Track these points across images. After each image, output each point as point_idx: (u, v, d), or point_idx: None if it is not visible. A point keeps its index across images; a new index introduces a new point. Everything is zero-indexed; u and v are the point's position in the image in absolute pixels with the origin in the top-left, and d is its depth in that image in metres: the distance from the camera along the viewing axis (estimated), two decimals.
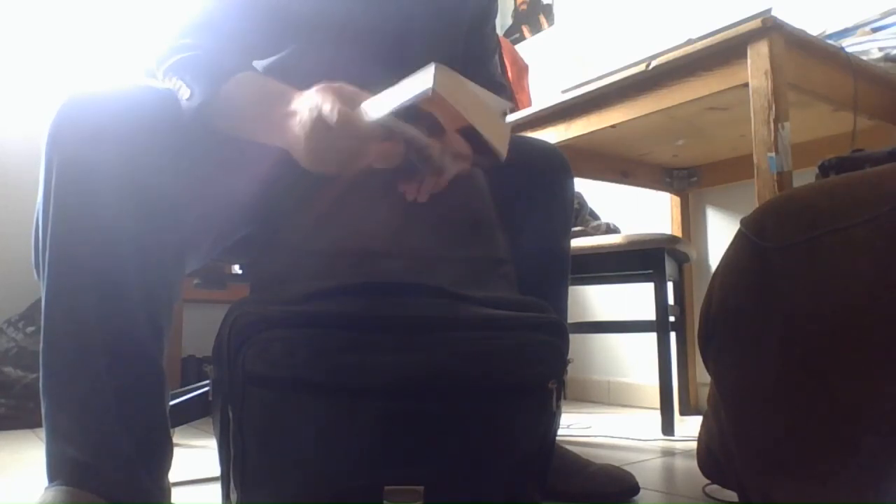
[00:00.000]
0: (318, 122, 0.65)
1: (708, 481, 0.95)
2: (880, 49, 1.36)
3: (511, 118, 1.64)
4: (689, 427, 1.69)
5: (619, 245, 1.69)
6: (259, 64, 0.90)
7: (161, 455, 0.72)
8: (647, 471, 1.20)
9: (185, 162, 0.74)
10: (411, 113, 0.66)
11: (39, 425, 0.69)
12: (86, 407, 0.67)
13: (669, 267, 1.72)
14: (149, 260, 0.70)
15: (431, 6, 0.93)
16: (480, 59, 1.05)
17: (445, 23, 0.95)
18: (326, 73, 0.88)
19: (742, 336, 0.75)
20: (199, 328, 2.35)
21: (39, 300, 0.70)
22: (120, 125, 0.69)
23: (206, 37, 0.80)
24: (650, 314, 1.71)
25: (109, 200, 0.68)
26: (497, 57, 1.10)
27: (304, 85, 0.86)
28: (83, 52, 2.37)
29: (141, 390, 0.70)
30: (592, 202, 2.20)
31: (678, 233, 2.06)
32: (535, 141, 1.00)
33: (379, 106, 0.66)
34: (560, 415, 0.73)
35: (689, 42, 1.31)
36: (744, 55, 1.16)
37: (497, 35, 1.11)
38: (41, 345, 0.68)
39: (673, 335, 1.85)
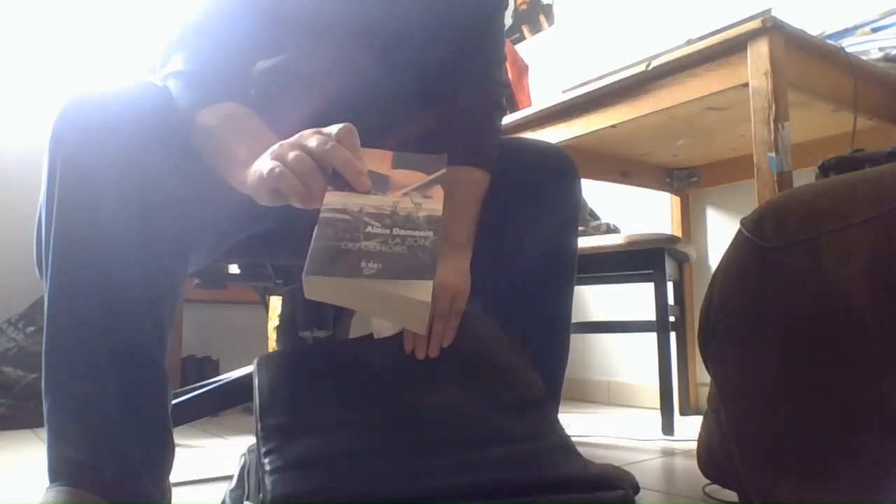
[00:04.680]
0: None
1: (708, 481, 0.95)
2: (880, 49, 1.36)
3: (511, 118, 1.64)
4: (689, 427, 1.69)
5: (619, 245, 1.69)
6: (257, 66, 0.89)
7: (163, 456, 0.72)
8: (647, 471, 1.20)
9: (188, 162, 0.74)
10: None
11: (39, 425, 0.69)
12: (87, 407, 0.67)
13: (669, 267, 1.72)
14: (152, 260, 0.70)
15: (428, 7, 0.93)
16: (485, 53, 1.04)
17: (443, 24, 0.94)
18: (322, 73, 0.87)
19: (742, 336, 0.75)
20: (199, 328, 2.36)
21: (39, 300, 0.70)
22: (123, 125, 0.69)
23: (200, 42, 0.80)
24: (650, 314, 1.71)
25: (112, 200, 0.67)
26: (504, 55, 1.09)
27: (303, 85, 0.85)
28: (84, 52, 2.37)
29: (143, 391, 0.70)
30: (592, 202, 2.20)
31: (678, 233, 2.06)
32: (542, 143, 0.99)
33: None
34: None
35: (689, 42, 1.31)
36: (744, 55, 1.16)
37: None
38: (44, 344, 0.68)
39: (673, 335, 1.85)
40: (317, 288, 0.58)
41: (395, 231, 0.62)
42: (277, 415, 0.71)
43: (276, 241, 1.04)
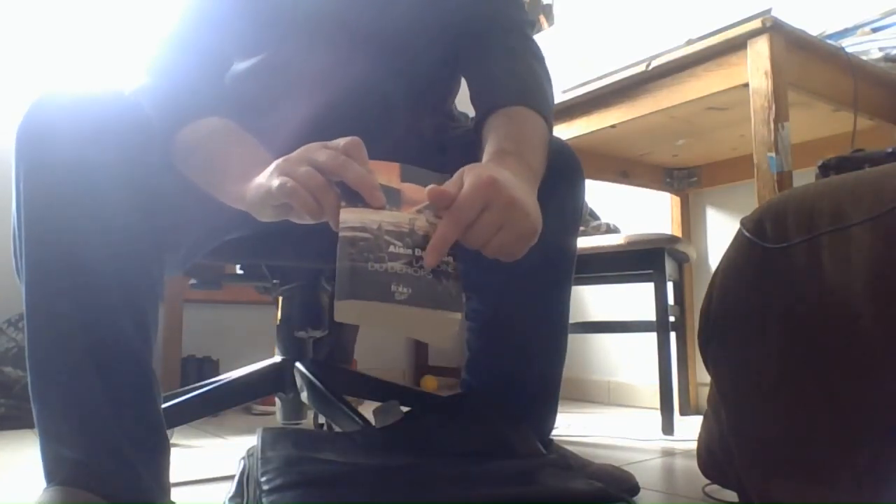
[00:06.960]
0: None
1: (708, 481, 0.95)
2: (880, 49, 1.36)
3: None
4: (689, 427, 1.69)
5: (619, 245, 1.69)
6: (239, 65, 0.88)
7: (159, 453, 0.72)
8: (647, 471, 1.20)
9: (162, 165, 0.73)
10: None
11: None
12: (78, 410, 0.66)
13: (669, 267, 1.72)
14: (125, 261, 0.69)
15: (429, 5, 0.92)
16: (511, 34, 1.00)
17: (446, 23, 0.94)
18: (318, 71, 0.87)
19: (742, 336, 0.75)
20: (199, 328, 2.35)
21: None
22: (84, 127, 0.68)
23: (179, 56, 0.79)
24: (650, 314, 1.71)
25: (76, 202, 0.67)
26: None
27: (295, 86, 0.83)
28: (83, 52, 2.37)
29: (133, 391, 0.69)
30: (592, 202, 2.20)
31: (678, 233, 2.06)
32: (552, 139, 0.97)
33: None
34: None
35: (689, 42, 1.31)
36: (743, 55, 1.16)
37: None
38: (26, 350, 0.68)
39: (673, 335, 1.85)
40: (348, 311, 0.58)
41: (417, 252, 0.61)
42: (278, 449, 0.72)
43: (264, 244, 1.03)
